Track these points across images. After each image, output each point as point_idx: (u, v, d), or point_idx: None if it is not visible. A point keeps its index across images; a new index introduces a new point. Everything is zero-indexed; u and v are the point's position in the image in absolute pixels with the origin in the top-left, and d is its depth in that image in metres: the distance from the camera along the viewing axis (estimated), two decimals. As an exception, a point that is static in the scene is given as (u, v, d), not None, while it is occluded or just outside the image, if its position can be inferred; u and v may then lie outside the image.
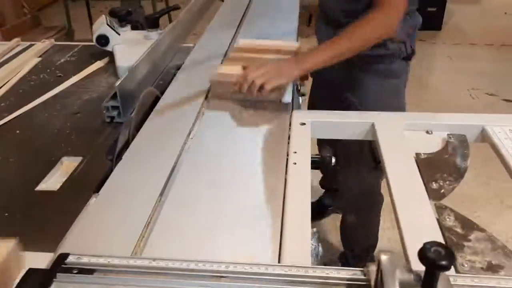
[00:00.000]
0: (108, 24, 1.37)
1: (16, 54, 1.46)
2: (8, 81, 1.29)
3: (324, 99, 1.41)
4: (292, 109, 1.09)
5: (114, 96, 1.05)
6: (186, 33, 1.58)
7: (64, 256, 0.59)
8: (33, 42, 1.56)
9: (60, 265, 0.57)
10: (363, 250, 1.66)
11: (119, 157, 0.92)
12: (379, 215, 1.62)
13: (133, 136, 0.99)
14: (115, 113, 1.06)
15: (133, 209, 0.76)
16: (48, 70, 1.37)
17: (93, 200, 0.81)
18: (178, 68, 1.30)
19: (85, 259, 0.58)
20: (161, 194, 0.79)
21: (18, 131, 1.04)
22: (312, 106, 1.55)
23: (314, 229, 1.41)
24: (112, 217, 0.74)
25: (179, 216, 0.75)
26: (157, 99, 1.11)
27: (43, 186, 0.86)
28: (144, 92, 1.05)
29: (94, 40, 1.38)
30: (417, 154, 0.90)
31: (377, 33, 1.08)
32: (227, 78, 1.10)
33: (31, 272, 0.59)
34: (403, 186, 0.80)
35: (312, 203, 2.17)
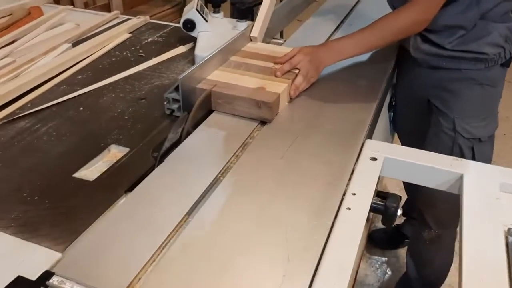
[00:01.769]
0: (197, 9, 1.32)
1: (111, 27, 1.48)
2: (93, 53, 1.30)
3: (407, 101, 1.37)
4: (369, 136, 0.94)
5: (177, 88, 0.99)
6: (277, 29, 1.47)
7: (48, 275, 0.53)
8: (130, 17, 1.58)
9: (41, 285, 0.52)
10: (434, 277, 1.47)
11: (164, 156, 0.86)
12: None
13: (187, 134, 0.92)
14: (175, 106, 0.99)
15: (153, 225, 0.69)
16: (133, 48, 1.36)
17: (120, 202, 0.76)
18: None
19: (67, 285, 0.52)
20: (189, 213, 0.71)
21: (81, 108, 1.03)
22: (392, 106, 1.44)
23: (384, 259, 1.21)
24: (127, 232, 0.67)
25: (199, 245, 0.66)
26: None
27: (81, 173, 0.83)
28: (208, 91, 0.97)
29: (181, 24, 1.34)
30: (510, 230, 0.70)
31: (407, 28, 1.08)
32: (209, 85, 0.98)
33: (19, 280, 0.54)
34: (480, 267, 0.62)
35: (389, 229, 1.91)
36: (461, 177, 0.80)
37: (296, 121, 0.96)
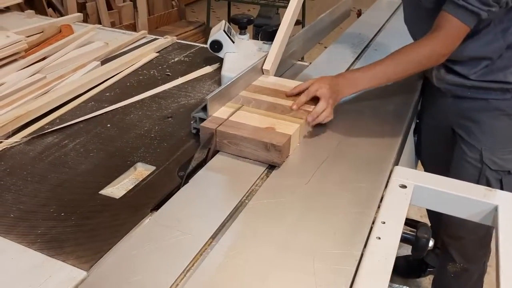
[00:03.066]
0: (224, 31, 1.33)
1: (138, 46, 1.51)
2: (121, 71, 1.32)
3: (431, 129, 1.34)
4: (396, 162, 0.92)
5: (204, 108, 0.99)
6: (303, 51, 1.48)
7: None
8: (157, 37, 1.60)
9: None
10: None
11: (190, 176, 0.86)
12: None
13: (214, 154, 0.92)
14: (202, 126, 0.99)
15: (177, 248, 0.68)
16: (160, 67, 1.38)
17: (145, 221, 0.75)
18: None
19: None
20: (213, 237, 0.70)
21: (109, 125, 1.04)
22: (416, 129, 1.40)
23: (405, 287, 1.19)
24: (151, 255, 0.67)
25: (222, 272, 0.64)
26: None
27: (108, 190, 0.83)
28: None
29: (208, 44, 1.35)
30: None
31: (426, 60, 1.04)
32: (214, 124, 0.91)
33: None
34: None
35: (410, 257, 1.85)
36: (496, 208, 0.77)
37: (311, 160, 0.89)
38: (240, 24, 1.45)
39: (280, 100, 1.03)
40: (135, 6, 3.52)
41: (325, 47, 1.54)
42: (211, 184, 0.84)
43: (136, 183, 0.85)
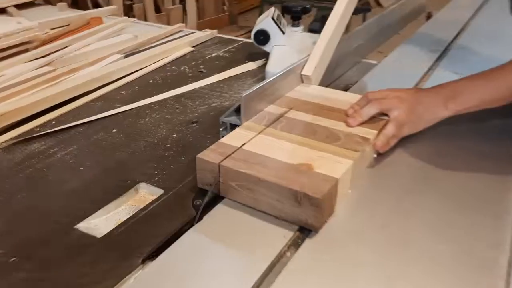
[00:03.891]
0: (272, 18, 1.06)
1: (172, 40, 1.28)
2: (146, 66, 1.09)
3: None
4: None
5: (238, 110, 0.72)
6: (370, 47, 1.18)
7: None
8: (194, 31, 1.37)
9: None
10: None
11: (210, 206, 0.59)
12: None
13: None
14: (234, 135, 0.72)
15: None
16: (193, 63, 1.13)
17: (134, 276, 0.48)
18: (347, 88, 0.93)
19: None
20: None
21: (114, 130, 0.80)
22: None
23: None
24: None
25: None
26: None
27: (88, 223, 0.57)
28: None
29: (252, 35, 1.09)
30: None
31: None
32: (218, 155, 0.59)
33: None
34: None
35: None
36: None
37: (371, 217, 0.56)
38: (293, 13, 1.17)
39: (324, 121, 0.70)
40: (184, 9, 3.37)
41: (385, 56, 1.20)
42: (236, 220, 0.56)
43: (132, 213, 0.59)
